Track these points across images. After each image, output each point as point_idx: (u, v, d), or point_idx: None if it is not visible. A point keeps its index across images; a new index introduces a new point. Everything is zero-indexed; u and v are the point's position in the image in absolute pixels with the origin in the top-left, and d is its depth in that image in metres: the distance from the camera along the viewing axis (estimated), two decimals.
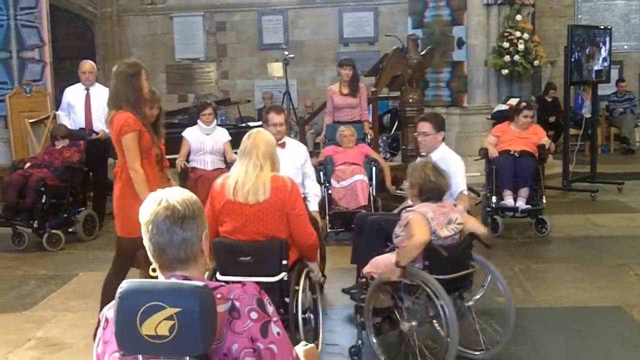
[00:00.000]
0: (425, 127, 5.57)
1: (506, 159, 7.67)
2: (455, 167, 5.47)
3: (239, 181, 4.04)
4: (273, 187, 4.03)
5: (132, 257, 4.58)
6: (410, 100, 8.99)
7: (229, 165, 7.24)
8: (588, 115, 11.74)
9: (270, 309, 2.16)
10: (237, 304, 2.09)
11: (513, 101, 9.22)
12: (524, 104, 8.12)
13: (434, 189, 4.27)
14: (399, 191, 8.92)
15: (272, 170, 4.10)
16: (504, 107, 9.38)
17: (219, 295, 2.08)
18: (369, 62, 11.96)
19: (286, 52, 12.02)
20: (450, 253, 4.11)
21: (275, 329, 2.12)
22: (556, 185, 9.77)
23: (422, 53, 9.14)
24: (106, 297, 4.59)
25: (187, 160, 7.70)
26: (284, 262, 4.03)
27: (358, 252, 5.24)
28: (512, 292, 5.70)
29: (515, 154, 7.67)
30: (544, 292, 5.75)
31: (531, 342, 4.70)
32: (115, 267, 4.71)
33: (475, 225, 4.37)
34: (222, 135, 7.88)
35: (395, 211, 5.61)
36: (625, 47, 14.88)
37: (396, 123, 11.06)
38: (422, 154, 5.64)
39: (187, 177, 7.52)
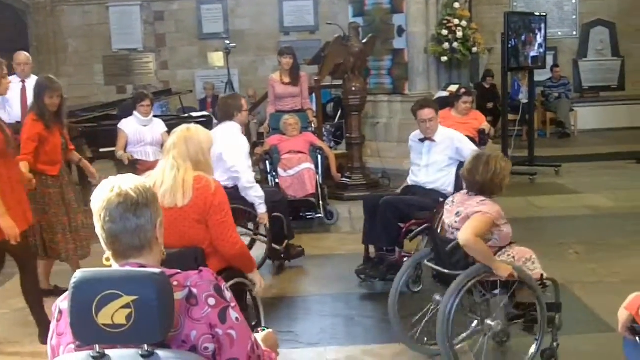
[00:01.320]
0: (429, 113, 5.70)
1: None
2: (460, 138, 5.90)
3: (157, 183, 3.66)
4: (195, 189, 3.68)
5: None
6: (353, 89, 9.08)
7: None
8: (525, 101, 11.96)
9: (228, 294, 2.16)
10: (195, 290, 2.09)
11: (453, 88, 9.34)
12: (463, 90, 8.25)
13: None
14: (344, 179, 9.01)
15: (195, 170, 3.73)
16: (444, 93, 9.51)
17: (175, 283, 2.07)
18: (311, 51, 12.00)
19: (227, 41, 11.94)
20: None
21: (233, 314, 2.12)
22: None
23: (363, 41, 9.21)
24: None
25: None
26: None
27: (372, 232, 5.59)
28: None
29: None
30: None
31: None
32: None
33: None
34: (160, 126, 7.83)
35: (398, 191, 6.04)
36: (560, 33, 15.22)
37: (340, 111, 11.09)
38: (434, 139, 5.76)
39: (134, 169, 7.43)
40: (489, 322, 3.96)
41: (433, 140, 5.75)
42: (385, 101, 11.00)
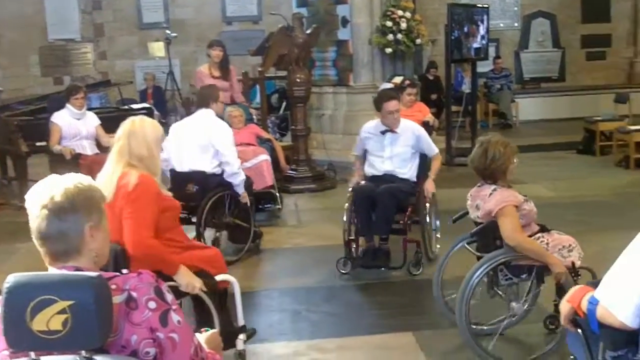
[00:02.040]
0: (396, 105, 5.83)
1: None
2: (419, 129, 6.05)
3: (101, 178, 3.66)
4: (118, 185, 3.61)
5: None
6: (298, 80, 9.01)
7: (105, 149, 7.11)
8: (468, 92, 12.07)
9: (169, 297, 2.09)
10: (134, 294, 2.03)
11: (397, 79, 9.34)
12: (407, 82, 8.27)
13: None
14: (289, 171, 8.93)
15: (139, 164, 3.65)
16: (388, 85, 9.46)
17: (114, 286, 2.01)
18: (254, 41, 11.87)
19: (167, 31, 11.72)
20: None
21: (175, 317, 2.06)
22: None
23: (307, 32, 9.13)
24: None
25: None
26: (124, 271, 3.63)
27: (371, 223, 5.62)
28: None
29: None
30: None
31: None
32: None
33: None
34: (93, 120, 7.68)
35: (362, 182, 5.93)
36: (501, 25, 15.37)
37: (284, 103, 11.00)
38: (396, 130, 5.83)
39: (77, 164, 7.23)
40: (513, 304, 4.08)
41: (395, 132, 5.79)
42: (330, 93, 10.95)
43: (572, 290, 2.55)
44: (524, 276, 4.03)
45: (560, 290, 3.86)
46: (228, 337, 3.90)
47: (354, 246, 5.79)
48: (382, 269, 5.68)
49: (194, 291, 3.61)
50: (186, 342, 2.08)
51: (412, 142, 5.88)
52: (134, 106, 10.00)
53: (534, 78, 15.58)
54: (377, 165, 5.88)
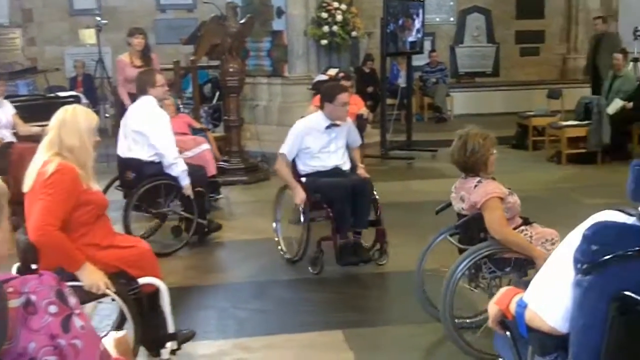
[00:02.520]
0: (347, 96, 5.76)
1: None
2: (351, 122, 6.06)
3: (30, 168, 3.58)
4: (37, 173, 3.50)
5: None
6: (231, 70, 8.85)
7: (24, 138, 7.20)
8: (403, 85, 12.08)
9: (72, 300, 1.93)
10: (33, 297, 1.85)
11: (332, 71, 9.28)
12: (342, 74, 8.20)
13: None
14: (222, 163, 8.75)
15: (70, 154, 3.53)
16: (323, 77, 9.39)
17: (10, 289, 1.83)
18: (187, 29, 11.62)
19: (98, 18, 11.38)
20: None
21: (78, 322, 1.90)
22: (375, 154, 9.97)
23: (241, 21, 8.98)
24: None
25: None
26: (33, 266, 3.44)
27: (357, 218, 5.50)
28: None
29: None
30: None
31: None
32: None
33: None
34: (9, 108, 7.41)
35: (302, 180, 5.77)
36: (437, 19, 15.44)
37: (217, 93, 10.81)
38: (339, 123, 5.72)
39: (7, 153, 6.94)
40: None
41: (338, 125, 5.70)
42: (264, 83, 10.81)
43: (501, 292, 2.48)
44: (507, 269, 4.04)
45: None
46: (153, 344, 3.76)
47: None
48: (363, 263, 5.54)
49: (99, 291, 3.43)
50: (90, 349, 1.93)
51: (346, 134, 5.84)
52: (61, 94, 9.70)
53: (469, 72, 15.71)
54: (325, 160, 5.70)
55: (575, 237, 2.12)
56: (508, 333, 2.44)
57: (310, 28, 10.22)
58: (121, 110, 7.89)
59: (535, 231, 4.09)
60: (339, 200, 5.43)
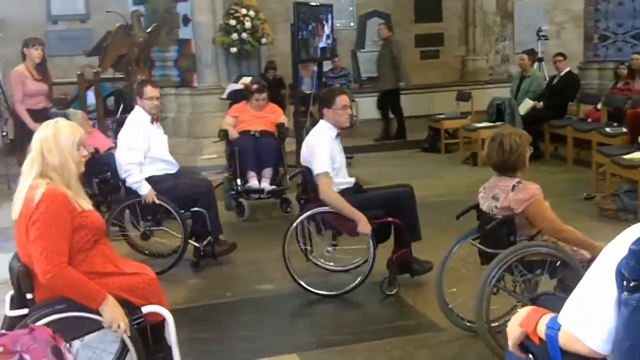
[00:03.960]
0: (348, 99, 5.35)
1: (247, 139, 7.50)
2: None
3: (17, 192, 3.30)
4: (25, 199, 3.21)
5: None
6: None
7: None
8: (309, 92, 11.94)
9: (70, 357, 1.65)
10: (27, 357, 1.57)
11: (246, 80, 9.03)
12: (255, 86, 7.97)
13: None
14: None
15: (44, 177, 3.23)
16: (237, 86, 9.14)
17: (0, 349, 1.53)
18: (81, 41, 11.19)
19: None
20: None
21: None
22: (293, 164, 9.75)
23: (148, 30, 8.63)
24: None
25: None
26: (29, 295, 3.17)
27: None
28: (271, 277, 5.58)
29: (256, 134, 7.54)
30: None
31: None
32: None
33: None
34: None
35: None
36: (338, 24, 15.36)
37: (121, 105, 10.33)
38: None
39: None
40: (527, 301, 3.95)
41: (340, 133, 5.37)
42: (172, 94, 10.43)
43: (524, 312, 2.28)
44: (538, 271, 4.02)
45: None
46: None
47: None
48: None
49: (117, 331, 3.15)
50: None
51: None
52: None
53: (371, 77, 15.72)
54: (346, 175, 5.37)
55: (613, 251, 1.97)
56: (530, 356, 2.27)
57: (218, 36, 9.94)
58: (21, 130, 7.35)
59: None
60: (409, 208, 5.26)
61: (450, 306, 4.42)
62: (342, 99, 5.24)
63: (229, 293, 5.39)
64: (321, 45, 10.44)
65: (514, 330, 2.27)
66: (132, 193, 5.71)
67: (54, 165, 3.23)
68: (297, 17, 9.64)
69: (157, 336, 3.44)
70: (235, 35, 9.84)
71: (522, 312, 2.28)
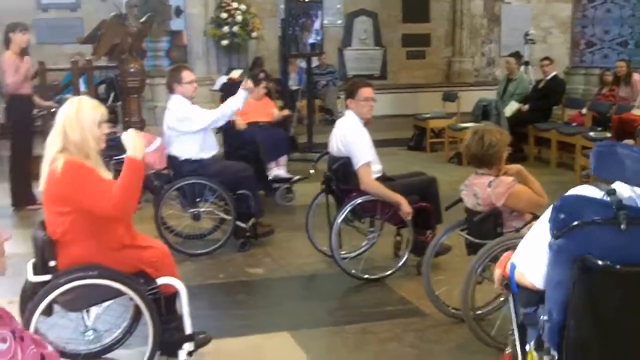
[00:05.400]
0: (371, 92, 5.41)
1: (259, 131, 7.61)
2: None
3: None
4: (49, 170, 3.42)
5: None
6: (132, 70, 8.56)
7: None
8: (295, 88, 12.07)
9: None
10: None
11: (235, 73, 9.13)
12: (262, 74, 8.14)
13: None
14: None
15: (65, 151, 3.41)
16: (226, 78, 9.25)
17: None
18: (71, 30, 11.24)
19: None
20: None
21: None
22: None
23: (141, 20, 8.70)
24: None
25: None
26: (52, 263, 3.38)
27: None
28: (261, 262, 5.76)
29: (264, 125, 7.78)
30: (292, 260, 5.89)
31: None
32: None
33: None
34: None
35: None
36: (325, 21, 15.45)
37: (112, 94, 10.40)
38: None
39: None
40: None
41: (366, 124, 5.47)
42: (163, 84, 10.44)
43: (502, 256, 2.79)
44: None
45: None
46: (170, 346, 3.62)
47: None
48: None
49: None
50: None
51: None
52: None
53: (357, 75, 15.74)
54: (378, 163, 5.46)
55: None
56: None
57: (209, 28, 10.05)
58: (15, 113, 7.37)
59: None
60: (436, 194, 5.44)
61: (436, 293, 4.58)
62: (364, 91, 5.36)
63: (221, 274, 5.53)
64: (310, 41, 10.58)
65: (495, 271, 2.80)
66: (182, 176, 5.84)
67: (75, 141, 3.40)
68: (288, 12, 9.79)
69: (169, 307, 3.61)
70: (226, 28, 9.95)
71: (503, 257, 2.78)
